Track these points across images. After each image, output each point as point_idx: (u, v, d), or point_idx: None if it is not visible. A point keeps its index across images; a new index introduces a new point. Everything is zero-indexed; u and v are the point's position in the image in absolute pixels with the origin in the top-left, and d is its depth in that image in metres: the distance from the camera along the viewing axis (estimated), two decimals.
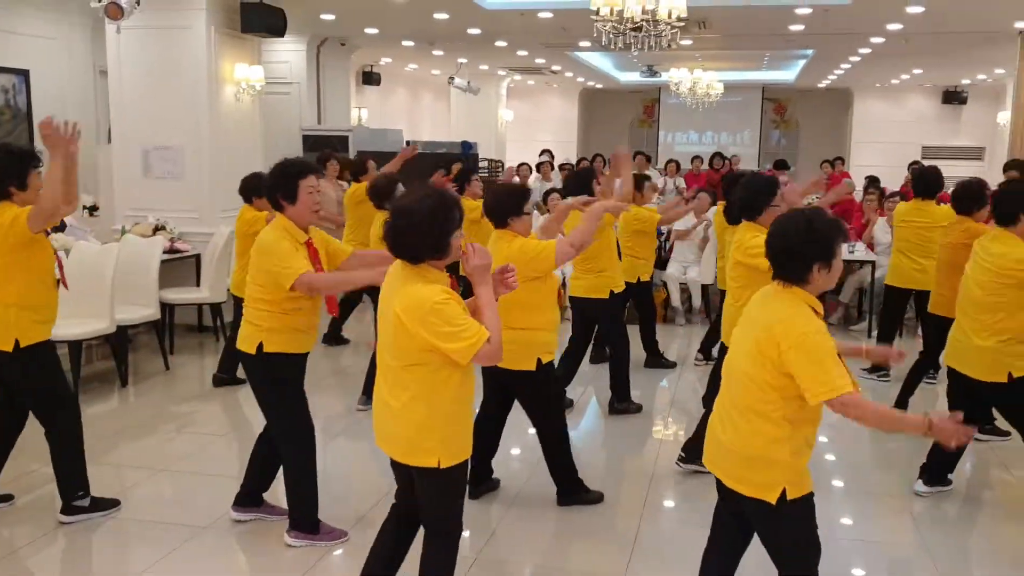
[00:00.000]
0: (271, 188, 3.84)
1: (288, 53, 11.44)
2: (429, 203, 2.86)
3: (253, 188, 6.02)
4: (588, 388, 6.66)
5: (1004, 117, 17.09)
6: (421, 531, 3.14)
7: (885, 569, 4.04)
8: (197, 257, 7.95)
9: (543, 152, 13.96)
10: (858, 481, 5.00)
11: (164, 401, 6.34)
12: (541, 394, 4.45)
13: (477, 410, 3.81)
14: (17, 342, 3.99)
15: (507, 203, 4.22)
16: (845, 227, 2.89)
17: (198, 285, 7.83)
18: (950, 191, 5.75)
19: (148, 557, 3.94)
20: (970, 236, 4.86)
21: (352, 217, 7.19)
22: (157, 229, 7.82)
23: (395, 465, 3.08)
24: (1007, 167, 7.45)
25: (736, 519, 2.99)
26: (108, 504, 4.34)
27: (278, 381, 3.94)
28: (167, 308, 7.36)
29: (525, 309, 4.16)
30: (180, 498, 4.64)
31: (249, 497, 4.28)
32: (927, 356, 5.84)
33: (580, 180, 5.80)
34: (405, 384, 2.90)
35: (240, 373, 6.11)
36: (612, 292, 5.83)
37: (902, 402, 5.76)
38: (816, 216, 2.78)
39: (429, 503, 3.05)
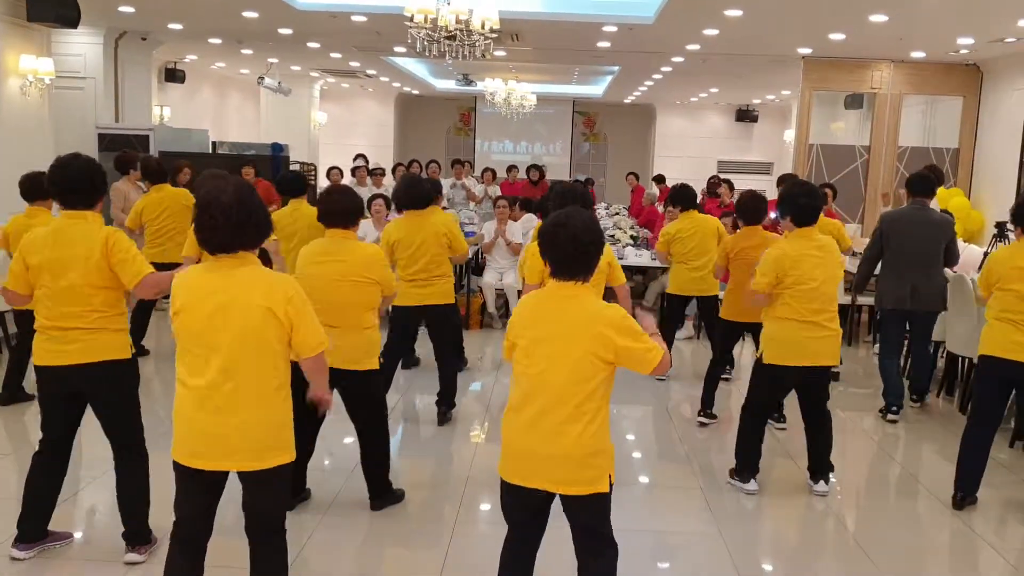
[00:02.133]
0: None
1: (83, 46, 10.72)
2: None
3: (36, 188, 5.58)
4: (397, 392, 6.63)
5: (789, 135, 18.55)
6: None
7: (685, 559, 4.26)
8: None
9: (357, 156, 13.81)
10: (655, 475, 5.26)
11: None
12: (379, 394, 4.53)
13: None
14: None
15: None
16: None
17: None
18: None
19: None
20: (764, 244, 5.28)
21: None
22: None
23: (209, 482, 2.96)
24: (780, 181, 8.10)
25: (537, 520, 3.06)
26: None
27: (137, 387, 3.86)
28: None
29: (371, 310, 4.30)
30: None
31: (36, 530, 3.93)
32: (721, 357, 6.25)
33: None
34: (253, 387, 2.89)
35: (31, 388, 5.67)
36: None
37: (709, 398, 6.17)
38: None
39: (273, 503, 3.02)
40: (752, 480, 4.93)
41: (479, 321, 9.15)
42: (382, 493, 4.53)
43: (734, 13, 8.91)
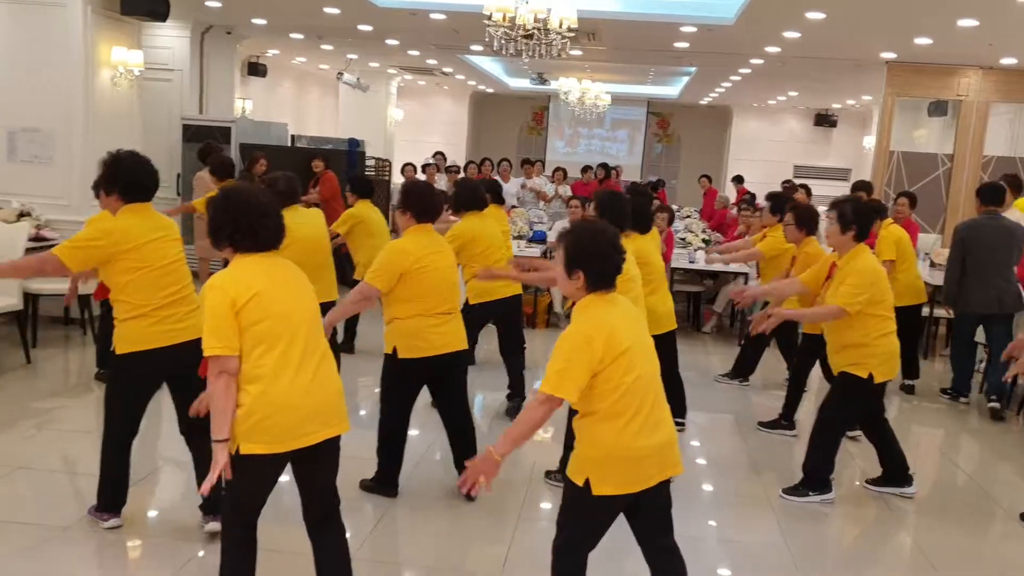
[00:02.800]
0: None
1: (170, 39, 11.03)
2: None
3: None
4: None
5: (869, 141, 18.12)
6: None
7: (751, 568, 4.22)
8: None
9: (436, 154, 13.89)
10: (725, 485, 5.22)
11: (24, 396, 6.01)
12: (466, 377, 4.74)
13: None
14: None
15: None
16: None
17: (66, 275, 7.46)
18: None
19: (4, 559, 3.73)
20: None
21: None
22: (22, 215, 7.42)
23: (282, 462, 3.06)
24: (854, 188, 7.93)
25: None
26: None
27: None
28: (31, 298, 6.98)
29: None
30: (39, 497, 4.42)
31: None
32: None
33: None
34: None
35: None
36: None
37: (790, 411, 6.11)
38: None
39: (336, 471, 3.20)
40: (830, 491, 4.90)
41: (545, 320, 9.16)
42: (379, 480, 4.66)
43: (816, 15, 8.75)
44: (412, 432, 4.79)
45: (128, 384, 3.91)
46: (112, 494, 4.03)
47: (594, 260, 2.93)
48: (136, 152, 3.96)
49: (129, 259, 3.74)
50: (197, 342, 2.96)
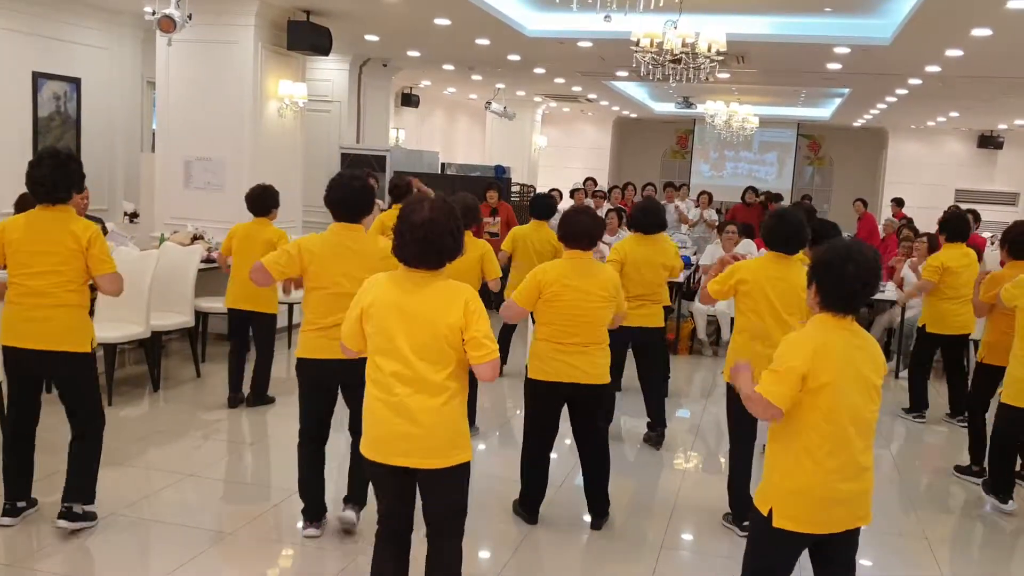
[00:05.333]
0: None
1: (331, 72, 11.62)
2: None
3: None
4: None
5: None
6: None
7: None
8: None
9: (587, 180, 13.82)
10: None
11: (193, 407, 6.43)
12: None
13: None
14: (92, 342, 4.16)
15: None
16: None
17: None
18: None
19: (171, 560, 3.99)
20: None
21: None
22: (195, 238, 7.95)
23: (400, 476, 3.08)
24: None
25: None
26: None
27: None
28: (201, 316, 7.48)
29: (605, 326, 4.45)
30: (206, 503, 4.71)
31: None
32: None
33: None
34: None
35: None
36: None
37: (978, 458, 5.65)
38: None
39: (454, 498, 3.14)
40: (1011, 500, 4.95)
41: (688, 347, 9.04)
42: (605, 510, 4.61)
43: (982, 32, 8.32)
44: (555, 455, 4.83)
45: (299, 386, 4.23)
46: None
47: (830, 277, 2.83)
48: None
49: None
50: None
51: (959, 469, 5.68)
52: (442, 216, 2.99)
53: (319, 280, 4.00)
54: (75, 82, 8.89)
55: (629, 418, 6.54)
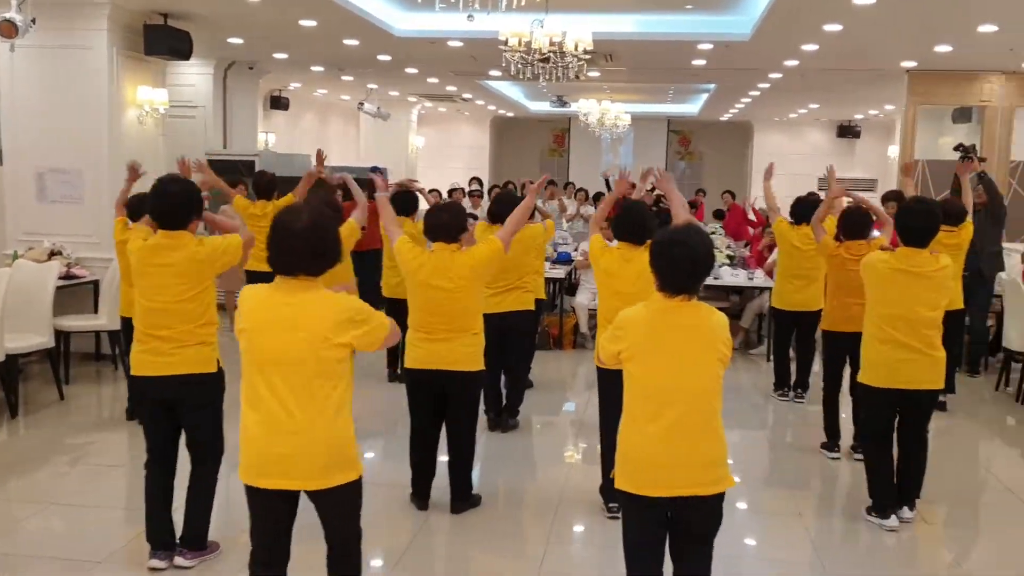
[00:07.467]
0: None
1: (194, 76, 11.23)
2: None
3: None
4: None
5: (894, 151, 17.96)
6: None
7: None
8: (95, 283, 7.69)
9: (472, 180, 13.75)
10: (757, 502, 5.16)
11: (57, 433, 6.08)
12: (478, 397, 4.84)
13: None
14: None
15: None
16: None
17: (96, 312, 7.58)
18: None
19: None
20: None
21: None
22: (53, 254, 7.55)
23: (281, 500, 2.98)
24: (885, 199, 7.86)
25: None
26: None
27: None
28: (62, 336, 7.08)
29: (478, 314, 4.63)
30: (72, 532, 4.46)
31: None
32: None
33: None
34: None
35: None
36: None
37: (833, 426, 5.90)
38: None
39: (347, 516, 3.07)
40: (893, 516, 4.67)
41: (572, 341, 9.14)
42: (466, 496, 4.74)
43: (834, 27, 8.72)
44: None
45: None
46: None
47: (661, 260, 2.98)
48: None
49: None
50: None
51: (824, 446, 5.93)
52: (322, 220, 2.92)
53: (138, 290, 3.89)
54: None
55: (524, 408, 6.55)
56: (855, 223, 5.66)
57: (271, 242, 2.89)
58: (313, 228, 2.87)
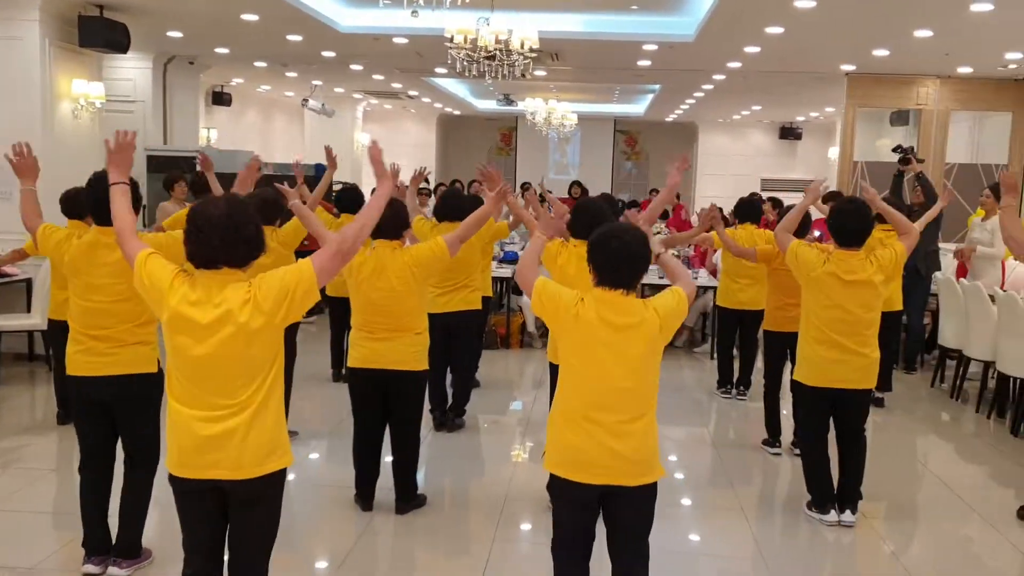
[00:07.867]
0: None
1: (132, 70, 10.97)
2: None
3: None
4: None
5: (834, 152, 18.32)
6: None
7: None
8: (28, 282, 7.47)
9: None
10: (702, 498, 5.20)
11: None
12: (422, 397, 4.76)
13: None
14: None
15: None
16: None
17: (29, 311, 7.35)
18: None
19: None
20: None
21: None
22: None
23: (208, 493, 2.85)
24: (826, 199, 7.99)
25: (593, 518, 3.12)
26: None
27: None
28: None
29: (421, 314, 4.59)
30: (4, 538, 4.30)
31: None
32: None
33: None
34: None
35: None
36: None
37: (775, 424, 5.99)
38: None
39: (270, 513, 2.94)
40: (832, 511, 4.73)
41: (519, 340, 9.14)
42: (410, 496, 4.71)
43: (775, 30, 8.85)
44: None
45: None
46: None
47: (597, 254, 3.04)
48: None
49: None
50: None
51: (766, 443, 6.01)
52: (240, 208, 2.79)
53: (73, 288, 3.78)
54: None
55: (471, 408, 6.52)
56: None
57: (188, 234, 2.77)
58: (230, 216, 2.74)
